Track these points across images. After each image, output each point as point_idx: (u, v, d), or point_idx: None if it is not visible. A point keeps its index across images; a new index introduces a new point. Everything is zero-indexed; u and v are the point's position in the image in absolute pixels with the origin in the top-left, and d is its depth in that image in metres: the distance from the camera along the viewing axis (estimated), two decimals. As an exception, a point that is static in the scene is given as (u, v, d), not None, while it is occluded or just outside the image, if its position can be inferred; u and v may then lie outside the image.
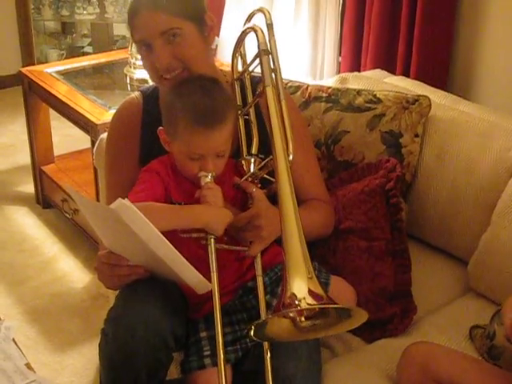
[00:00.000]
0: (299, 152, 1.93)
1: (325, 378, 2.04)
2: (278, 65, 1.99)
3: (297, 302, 1.62)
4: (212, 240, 1.88)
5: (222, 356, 1.81)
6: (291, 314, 1.71)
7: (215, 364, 1.88)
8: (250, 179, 2.02)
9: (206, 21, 2.08)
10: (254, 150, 2.07)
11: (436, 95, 2.72)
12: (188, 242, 1.93)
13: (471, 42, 3.24)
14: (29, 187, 4.31)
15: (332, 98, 2.66)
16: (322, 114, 2.64)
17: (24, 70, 3.96)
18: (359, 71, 3.42)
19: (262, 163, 1.99)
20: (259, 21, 2.08)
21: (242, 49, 2.22)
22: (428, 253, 2.60)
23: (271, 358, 1.88)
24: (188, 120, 1.90)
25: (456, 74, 3.31)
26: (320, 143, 2.62)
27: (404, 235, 2.38)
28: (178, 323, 1.93)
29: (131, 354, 1.84)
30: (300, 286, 1.64)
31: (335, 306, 1.66)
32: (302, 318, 1.72)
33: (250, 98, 2.14)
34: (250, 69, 2.14)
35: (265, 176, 2.00)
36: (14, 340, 2.13)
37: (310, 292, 1.63)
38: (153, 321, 1.85)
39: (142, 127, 2.20)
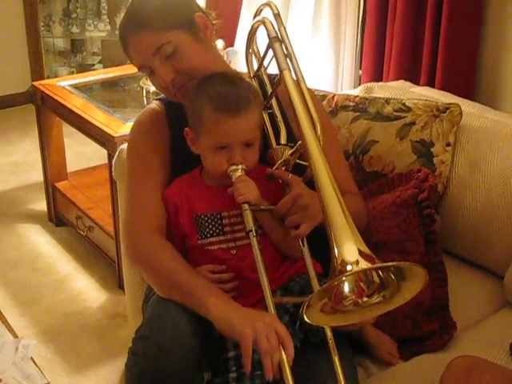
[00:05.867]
0: (327, 145, 1.83)
1: (362, 398, 1.95)
2: (292, 51, 1.92)
3: (349, 268, 1.49)
4: (253, 234, 1.81)
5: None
6: (346, 286, 1.59)
7: None
8: (283, 168, 1.93)
9: (196, 22, 2.04)
10: (282, 141, 2.00)
11: (464, 104, 2.64)
12: (220, 254, 1.92)
13: (498, 50, 3.17)
14: (41, 205, 4.23)
15: (360, 106, 2.58)
16: (350, 123, 2.56)
17: (37, 83, 3.88)
18: (381, 83, 3.34)
19: (293, 148, 1.90)
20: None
21: (255, 46, 2.17)
22: (461, 267, 2.51)
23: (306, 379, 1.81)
24: (212, 108, 1.87)
25: (482, 84, 3.24)
26: (348, 153, 2.54)
27: (438, 247, 2.29)
28: (211, 342, 1.84)
29: (162, 373, 1.74)
30: (349, 249, 1.52)
31: (389, 264, 1.54)
32: (356, 290, 1.60)
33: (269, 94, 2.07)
34: (266, 64, 2.09)
35: (298, 161, 1.91)
36: (32, 359, 2.04)
37: (361, 253, 1.50)
38: (185, 339, 1.76)
39: (170, 129, 2.14)
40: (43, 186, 4.11)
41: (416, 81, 3.25)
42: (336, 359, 1.76)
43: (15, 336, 2.14)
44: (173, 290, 1.89)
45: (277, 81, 1.96)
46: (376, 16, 3.51)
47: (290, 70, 1.88)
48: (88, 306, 3.42)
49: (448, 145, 2.46)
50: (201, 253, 1.96)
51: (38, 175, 4.31)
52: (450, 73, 3.19)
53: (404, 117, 2.51)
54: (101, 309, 3.40)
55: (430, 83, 3.25)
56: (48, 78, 5.51)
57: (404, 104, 2.54)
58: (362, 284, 1.59)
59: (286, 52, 1.92)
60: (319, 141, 1.76)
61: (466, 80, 3.22)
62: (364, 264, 1.49)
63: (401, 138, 2.49)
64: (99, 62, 5.90)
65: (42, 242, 3.95)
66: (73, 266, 3.72)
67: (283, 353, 1.71)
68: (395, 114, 2.53)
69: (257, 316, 1.76)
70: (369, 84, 2.89)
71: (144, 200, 2.06)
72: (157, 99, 2.23)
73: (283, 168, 1.93)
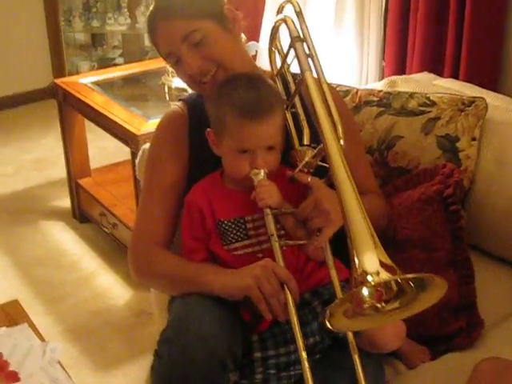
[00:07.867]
0: (348, 143, 1.82)
1: (390, 397, 1.94)
2: (314, 50, 1.91)
3: (369, 279, 1.47)
4: (274, 239, 1.83)
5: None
6: (366, 294, 1.58)
7: None
8: (305, 170, 1.92)
9: (225, 14, 2.04)
10: (305, 141, 1.97)
11: (490, 97, 2.60)
12: (246, 258, 1.90)
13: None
14: (64, 201, 4.24)
15: (384, 101, 2.55)
16: (374, 118, 2.54)
17: (58, 81, 3.89)
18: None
19: (315, 151, 1.89)
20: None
21: (278, 43, 2.17)
22: (488, 263, 2.48)
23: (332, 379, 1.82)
24: (235, 114, 1.87)
25: (508, 75, 3.19)
26: (372, 149, 2.51)
27: (465, 244, 2.26)
28: (236, 342, 1.82)
29: (188, 376, 1.73)
30: (370, 259, 1.50)
31: (411, 276, 1.51)
32: (377, 297, 1.58)
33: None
34: (289, 61, 2.07)
35: (320, 163, 1.89)
36: (59, 362, 2.04)
37: (382, 264, 1.48)
38: (210, 341, 1.75)
39: (189, 135, 2.13)
40: (66, 183, 4.11)
41: (440, 72, 3.21)
42: (356, 357, 1.76)
43: (42, 339, 2.14)
44: (177, 286, 1.98)
45: (299, 82, 1.94)
46: (399, 7, 3.47)
47: (311, 71, 1.86)
48: (113, 304, 3.42)
49: (473, 139, 2.43)
50: (227, 258, 1.94)
51: (60, 171, 4.32)
52: (474, 64, 3.15)
53: (429, 111, 2.48)
54: (126, 306, 3.40)
55: (454, 74, 3.21)
56: (69, 72, 5.52)
57: (429, 98, 2.51)
58: (380, 289, 1.58)
59: (308, 52, 1.90)
60: (340, 143, 1.74)
61: (491, 71, 3.18)
62: (385, 275, 1.47)
63: (426, 133, 2.46)
64: (120, 56, 5.89)
65: (66, 239, 3.96)
66: (97, 263, 3.73)
67: (288, 292, 1.77)
68: (420, 108, 2.50)
69: (253, 266, 1.83)
70: (392, 77, 2.86)
71: (153, 214, 2.10)
72: (180, 99, 2.22)
73: (305, 170, 1.92)
